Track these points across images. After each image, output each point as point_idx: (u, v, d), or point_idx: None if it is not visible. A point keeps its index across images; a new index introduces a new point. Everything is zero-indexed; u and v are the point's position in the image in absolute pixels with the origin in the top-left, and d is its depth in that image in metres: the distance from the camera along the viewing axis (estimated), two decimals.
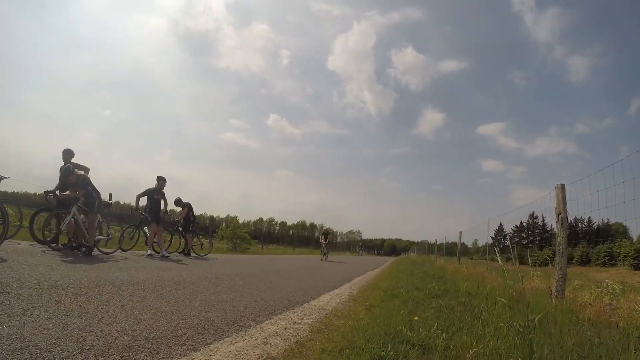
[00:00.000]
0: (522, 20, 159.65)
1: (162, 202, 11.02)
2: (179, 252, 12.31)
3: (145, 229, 10.77)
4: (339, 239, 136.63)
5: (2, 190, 7.90)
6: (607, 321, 3.69)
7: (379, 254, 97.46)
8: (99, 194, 8.40)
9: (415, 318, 3.72)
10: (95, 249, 8.35)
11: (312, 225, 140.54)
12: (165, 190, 11.19)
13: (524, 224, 74.12)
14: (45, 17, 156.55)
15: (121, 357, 2.35)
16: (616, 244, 45.51)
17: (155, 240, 10.56)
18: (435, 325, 3.37)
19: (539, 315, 2.42)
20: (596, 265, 45.73)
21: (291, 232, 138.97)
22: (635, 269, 38.04)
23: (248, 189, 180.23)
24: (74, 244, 8.01)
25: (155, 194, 10.86)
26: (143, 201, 10.84)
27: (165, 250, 10.64)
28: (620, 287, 5.48)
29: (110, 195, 9.67)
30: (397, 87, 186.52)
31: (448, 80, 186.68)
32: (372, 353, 2.59)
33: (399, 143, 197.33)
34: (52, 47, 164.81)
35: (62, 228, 7.91)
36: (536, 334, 2.27)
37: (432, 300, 5.28)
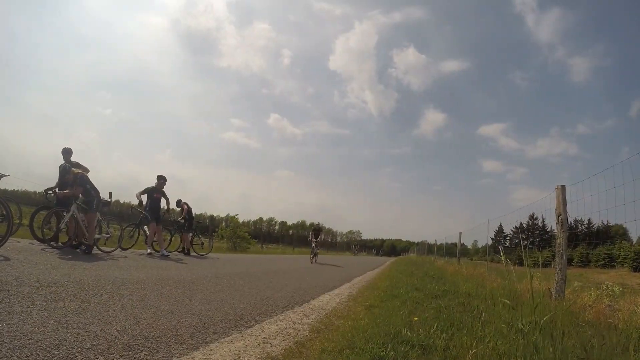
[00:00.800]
0: (523, 21, 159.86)
1: (164, 200, 11.02)
2: (178, 251, 12.32)
3: (145, 227, 10.77)
4: (338, 238, 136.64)
5: (2, 188, 7.89)
6: (607, 323, 3.69)
7: (378, 254, 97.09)
8: (98, 192, 8.40)
9: (415, 318, 3.72)
10: (95, 247, 8.35)
11: (312, 226, 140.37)
12: (165, 189, 11.19)
13: (524, 225, 74.08)
14: (46, 16, 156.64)
15: (121, 356, 2.35)
16: (616, 245, 45.53)
17: (155, 239, 10.55)
18: (435, 326, 3.37)
19: (546, 317, 2.41)
20: (596, 266, 45.73)
21: (291, 232, 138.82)
22: (635, 271, 38.07)
23: (248, 188, 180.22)
24: (74, 243, 8.01)
25: (155, 192, 10.86)
26: (143, 199, 10.85)
27: (165, 249, 10.65)
28: (620, 288, 5.48)
29: (110, 194, 9.68)
30: (399, 87, 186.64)
31: (449, 80, 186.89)
32: (372, 353, 2.59)
33: (400, 143, 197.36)
34: (53, 47, 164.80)
35: (61, 226, 7.91)
36: (541, 335, 2.26)
37: (431, 300, 5.28)
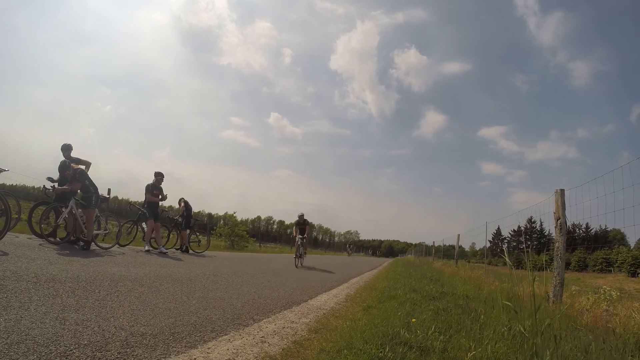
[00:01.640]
0: (525, 24, 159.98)
1: (161, 197, 11.01)
2: (176, 249, 12.30)
3: (143, 224, 10.76)
4: (336, 239, 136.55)
5: (1, 183, 7.88)
6: (604, 327, 3.69)
7: (374, 254, 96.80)
8: (96, 188, 8.39)
9: (413, 320, 3.72)
10: (93, 243, 8.33)
11: (310, 225, 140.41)
12: (164, 186, 11.18)
13: (522, 228, 74.18)
14: (46, 11, 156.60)
15: (118, 353, 2.34)
16: (614, 250, 45.63)
17: (153, 236, 10.55)
18: (433, 328, 3.37)
19: (548, 321, 2.41)
20: (593, 271, 45.82)
21: (289, 231, 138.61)
22: (632, 276, 38.12)
23: (247, 187, 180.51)
24: (72, 238, 7.99)
25: (154, 189, 10.85)
26: (141, 197, 10.83)
27: (162, 247, 10.63)
28: (617, 293, 5.49)
29: (109, 190, 9.68)
30: (400, 88, 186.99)
31: (450, 82, 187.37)
32: (370, 354, 2.59)
33: (400, 144, 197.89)
34: (53, 42, 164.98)
35: (59, 222, 7.90)
36: (542, 339, 2.26)
37: (429, 302, 5.28)
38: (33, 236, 7.87)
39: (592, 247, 49.28)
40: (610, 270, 43.76)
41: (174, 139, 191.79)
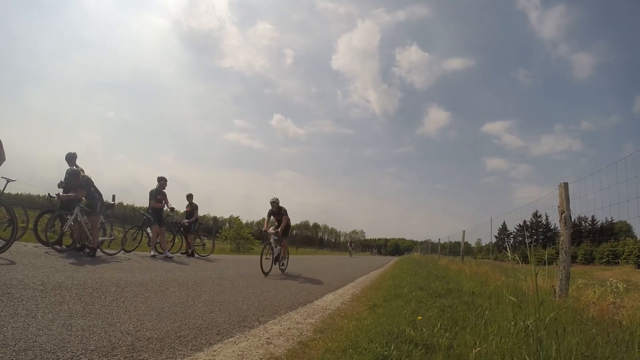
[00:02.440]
0: (527, 18, 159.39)
1: (164, 202, 11.03)
2: (182, 253, 12.33)
3: (148, 229, 10.79)
4: (342, 238, 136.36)
5: (6, 192, 7.91)
6: (611, 320, 3.67)
7: (380, 253, 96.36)
8: (101, 195, 8.44)
9: (419, 318, 3.72)
10: (99, 250, 8.37)
11: (316, 226, 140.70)
12: (167, 191, 11.21)
13: (527, 222, 73.88)
14: (47, 18, 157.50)
15: (125, 357, 2.36)
16: (620, 242, 45.33)
17: (158, 241, 10.58)
18: (439, 325, 3.37)
19: (552, 314, 2.41)
20: (600, 263, 45.52)
21: (294, 232, 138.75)
22: None
23: (252, 189, 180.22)
24: (78, 245, 8.04)
25: (158, 194, 10.89)
26: (146, 202, 10.88)
27: (168, 251, 10.66)
28: (624, 285, 5.46)
29: (114, 196, 9.73)
30: (402, 86, 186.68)
31: (453, 78, 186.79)
32: (375, 353, 2.59)
33: (404, 142, 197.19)
34: (54, 49, 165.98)
35: (65, 229, 7.95)
36: (547, 333, 2.26)
37: (435, 299, 5.27)
38: (39, 244, 7.92)
39: (597, 240, 48.98)
40: (617, 263, 43.50)
41: (177, 143, 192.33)
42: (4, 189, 7.34)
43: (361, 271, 13.72)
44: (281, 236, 9.58)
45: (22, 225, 8.31)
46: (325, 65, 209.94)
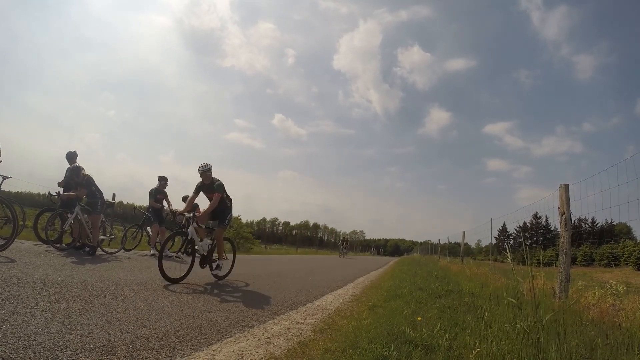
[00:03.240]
0: (529, 19, 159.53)
1: (165, 201, 11.02)
2: (182, 252, 12.31)
3: (148, 228, 10.80)
4: (342, 239, 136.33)
5: (6, 190, 7.91)
6: (611, 322, 3.67)
7: (379, 253, 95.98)
8: (101, 194, 8.44)
9: (419, 318, 3.71)
10: (99, 248, 8.37)
11: (316, 226, 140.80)
12: (167, 190, 11.20)
13: (527, 224, 73.87)
14: (48, 17, 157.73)
15: (124, 356, 2.35)
16: (620, 244, 45.32)
17: (158, 240, 10.58)
18: (439, 326, 3.36)
19: (548, 316, 2.41)
20: (600, 265, 45.51)
21: (294, 232, 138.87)
22: (639, 270, 37.84)
23: (252, 189, 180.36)
24: (78, 244, 8.04)
25: (158, 194, 10.88)
26: (146, 201, 10.87)
27: (168, 250, 10.66)
28: (624, 287, 5.45)
29: (114, 195, 9.70)
30: (404, 86, 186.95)
31: (455, 79, 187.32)
32: (375, 353, 2.59)
33: (405, 142, 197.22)
34: (55, 48, 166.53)
35: (65, 228, 7.95)
36: (544, 335, 2.25)
37: (435, 300, 5.27)
38: (39, 242, 7.92)
39: (597, 242, 48.97)
40: (617, 265, 43.48)
41: (178, 142, 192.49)
42: None
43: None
44: (205, 223, 6.84)
45: (20, 222, 8.30)
46: (327, 65, 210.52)
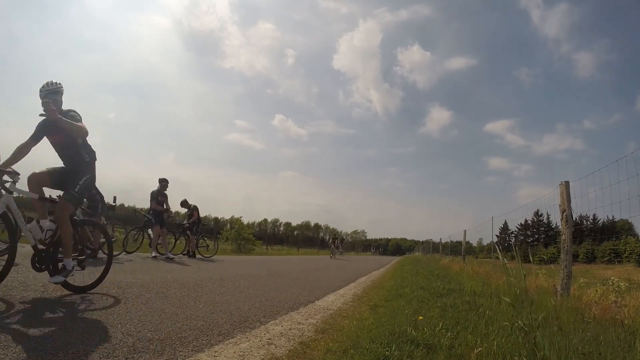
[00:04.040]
0: (529, 16, 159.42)
1: (166, 206, 11.04)
2: (183, 254, 12.35)
3: (150, 231, 10.82)
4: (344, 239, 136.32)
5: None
6: (613, 319, 3.67)
7: (380, 253, 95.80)
8: (102, 197, 8.45)
9: (420, 317, 3.71)
10: (100, 251, 8.37)
11: (317, 226, 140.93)
12: (168, 192, 11.23)
13: (529, 222, 73.83)
14: (47, 20, 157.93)
15: (126, 358, 2.36)
16: (622, 241, 45.30)
17: (159, 242, 10.60)
18: (440, 325, 3.36)
19: (543, 314, 2.41)
20: (602, 262, 45.48)
21: (295, 232, 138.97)
22: None
23: (253, 190, 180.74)
24: (79, 247, 8.03)
25: (159, 196, 10.91)
26: (147, 204, 10.90)
27: (169, 252, 10.68)
28: (626, 284, 5.44)
29: (115, 197, 9.72)
30: (404, 85, 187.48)
31: (455, 77, 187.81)
32: (376, 353, 2.59)
33: (405, 142, 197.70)
34: (55, 50, 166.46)
35: None
36: (540, 333, 2.25)
37: (437, 299, 5.27)
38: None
39: (599, 239, 48.94)
40: (619, 261, 43.45)
41: (178, 143, 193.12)
42: None
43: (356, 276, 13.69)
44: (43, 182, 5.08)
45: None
46: (327, 65, 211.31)
